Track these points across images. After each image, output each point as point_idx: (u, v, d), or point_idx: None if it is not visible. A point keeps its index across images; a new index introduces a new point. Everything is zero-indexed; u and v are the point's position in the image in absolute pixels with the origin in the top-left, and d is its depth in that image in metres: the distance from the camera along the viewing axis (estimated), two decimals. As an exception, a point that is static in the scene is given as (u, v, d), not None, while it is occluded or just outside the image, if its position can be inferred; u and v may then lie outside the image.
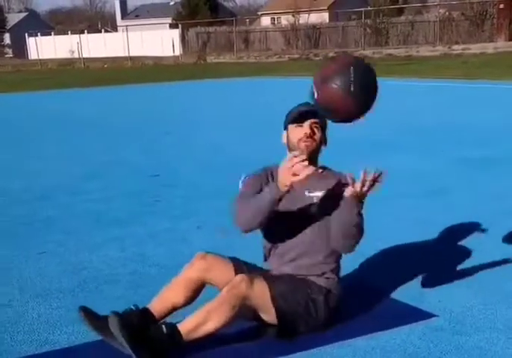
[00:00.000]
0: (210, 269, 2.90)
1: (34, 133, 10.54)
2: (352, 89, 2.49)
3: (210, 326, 2.66)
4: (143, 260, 4.08)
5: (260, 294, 2.72)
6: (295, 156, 2.62)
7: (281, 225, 2.90)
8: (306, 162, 2.57)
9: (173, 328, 2.68)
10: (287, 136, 2.98)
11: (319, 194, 2.91)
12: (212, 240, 4.40)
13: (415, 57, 25.50)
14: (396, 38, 34.98)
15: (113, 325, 2.69)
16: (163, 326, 2.69)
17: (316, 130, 2.89)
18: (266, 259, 3.10)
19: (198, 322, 2.66)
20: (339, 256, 2.96)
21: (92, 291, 3.63)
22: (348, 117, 2.61)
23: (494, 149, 7.10)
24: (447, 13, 32.78)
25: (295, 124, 2.92)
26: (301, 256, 2.91)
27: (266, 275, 2.88)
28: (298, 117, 2.91)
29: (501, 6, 30.07)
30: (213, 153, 7.86)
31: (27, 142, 9.55)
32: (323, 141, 2.94)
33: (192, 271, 2.91)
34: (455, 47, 27.20)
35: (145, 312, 2.88)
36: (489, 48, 25.64)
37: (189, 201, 5.51)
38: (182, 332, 2.67)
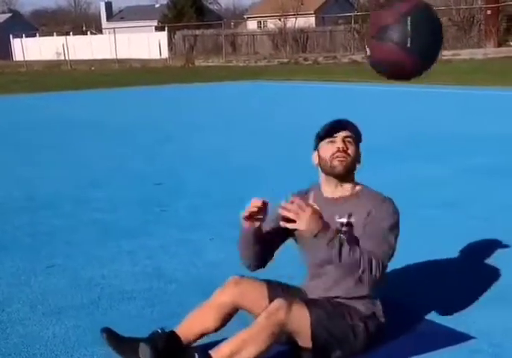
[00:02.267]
0: (244, 295, 2.77)
1: (27, 137, 10.32)
2: (409, 44, 2.23)
3: (246, 355, 2.51)
4: (158, 275, 3.94)
5: (298, 320, 2.58)
6: (292, 202, 2.53)
7: (314, 250, 2.72)
8: (302, 205, 2.49)
9: (206, 356, 2.52)
10: (318, 156, 2.78)
11: (345, 220, 2.72)
12: (226, 253, 4.26)
13: (404, 63, 25.42)
14: (384, 43, 35.03)
15: (145, 354, 2.55)
16: (196, 354, 2.53)
17: (349, 144, 2.72)
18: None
19: (233, 351, 2.50)
20: (378, 282, 2.69)
21: (108, 309, 3.48)
22: (407, 76, 2.37)
23: (496, 158, 7.03)
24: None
25: (326, 140, 2.74)
26: (336, 281, 2.75)
27: (303, 298, 2.75)
28: (329, 131, 2.74)
29: (489, 12, 30.20)
30: (215, 159, 7.72)
31: (21, 147, 9.34)
32: (357, 157, 2.75)
33: (225, 297, 2.77)
34: (445, 53, 27.19)
35: (173, 336, 2.74)
36: (478, 54, 25.71)
37: (197, 211, 5.37)
38: None
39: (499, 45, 28.54)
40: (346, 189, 2.77)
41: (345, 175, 2.73)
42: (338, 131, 2.73)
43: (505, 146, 7.65)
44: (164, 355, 2.67)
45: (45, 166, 7.71)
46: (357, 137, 2.76)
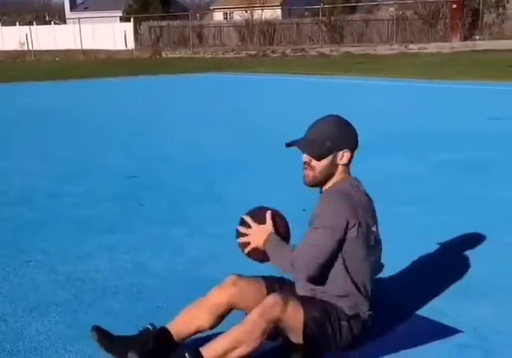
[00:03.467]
0: (242, 295, 2.74)
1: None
2: None
3: (239, 353, 2.50)
4: (139, 271, 3.90)
5: (293, 318, 2.57)
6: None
7: None
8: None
9: (197, 355, 2.49)
10: None
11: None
12: (207, 248, 4.25)
13: (373, 56, 25.63)
14: (351, 36, 35.19)
15: None
16: (187, 354, 2.50)
17: (309, 161, 2.70)
18: None
19: (227, 349, 2.49)
20: (360, 281, 2.71)
21: (91, 304, 3.44)
22: None
23: (469, 152, 7.09)
24: (400, 12, 33.12)
25: None
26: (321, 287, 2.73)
27: (297, 295, 2.73)
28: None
29: (454, 6, 30.55)
30: (189, 153, 7.67)
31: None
32: (327, 165, 2.68)
33: (221, 297, 2.74)
34: (412, 46, 27.47)
35: (164, 333, 2.71)
36: (445, 47, 25.96)
37: (175, 206, 5.33)
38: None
39: (465, 38, 28.89)
40: (329, 185, 2.76)
41: (315, 185, 2.75)
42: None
43: (477, 141, 7.74)
44: (154, 353, 2.64)
45: (16, 160, 7.57)
46: (315, 157, 2.68)
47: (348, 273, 2.68)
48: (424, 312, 3.16)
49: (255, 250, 2.74)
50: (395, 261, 3.79)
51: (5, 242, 4.51)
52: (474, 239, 4.20)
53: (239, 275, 2.83)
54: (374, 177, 5.71)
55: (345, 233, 2.60)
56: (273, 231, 2.72)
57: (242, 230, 2.77)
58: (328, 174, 2.71)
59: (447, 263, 3.86)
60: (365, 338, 2.78)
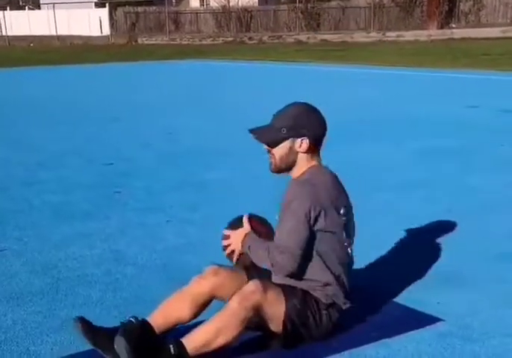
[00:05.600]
0: (223, 285, 2.70)
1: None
2: None
3: (221, 342, 2.47)
4: (116, 258, 3.85)
5: (274, 306, 2.55)
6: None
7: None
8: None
9: (180, 347, 2.46)
10: None
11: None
12: (184, 236, 4.21)
13: (350, 43, 25.59)
14: (328, 23, 35.13)
15: (121, 347, 2.47)
16: (171, 346, 2.46)
17: (269, 148, 2.73)
18: None
19: (208, 339, 2.47)
20: (337, 270, 2.70)
21: (68, 293, 3.38)
22: None
23: (446, 140, 7.09)
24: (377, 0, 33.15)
25: None
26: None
27: (279, 286, 2.68)
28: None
29: (432, -6, 30.62)
30: (165, 140, 7.59)
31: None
32: (287, 153, 2.69)
33: (202, 287, 2.70)
34: (389, 34, 27.47)
35: (145, 326, 2.65)
36: (422, 35, 25.99)
37: (152, 193, 5.27)
38: (189, 349, 2.47)
39: (441, 27, 28.98)
40: (295, 174, 2.76)
41: (280, 172, 2.76)
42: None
43: (454, 129, 7.76)
44: (138, 345, 2.59)
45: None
46: (267, 143, 2.71)
47: (325, 264, 2.67)
48: (404, 301, 3.14)
49: (241, 256, 2.73)
50: (373, 249, 3.79)
51: (-22, 230, 4.42)
52: (452, 227, 4.20)
53: (220, 265, 2.80)
54: (351, 164, 5.74)
55: (315, 221, 2.60)
56: (250, 231, 2.73)
57: (224, 242, 2.79)
58: (289, 162, 2.72)
59: (426, 251, 3.85)
60: (344, 327, 2.77)
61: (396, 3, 32.66)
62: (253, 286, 2.53)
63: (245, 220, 2.77)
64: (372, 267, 3.60)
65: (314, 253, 2.65)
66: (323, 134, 2.73)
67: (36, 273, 3.65)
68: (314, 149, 2.72)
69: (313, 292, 2.67)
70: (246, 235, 2.71)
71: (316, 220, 2.60)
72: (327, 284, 2.68)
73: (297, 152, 2.69)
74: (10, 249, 4.03)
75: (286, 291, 2.63)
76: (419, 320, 2.93)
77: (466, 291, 3.25)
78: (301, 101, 2.81)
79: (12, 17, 39.96)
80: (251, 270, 2.79)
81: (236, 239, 2.73)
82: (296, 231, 2.58)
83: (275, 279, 2.75)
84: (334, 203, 2.65)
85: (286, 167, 2.73)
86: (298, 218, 2.58)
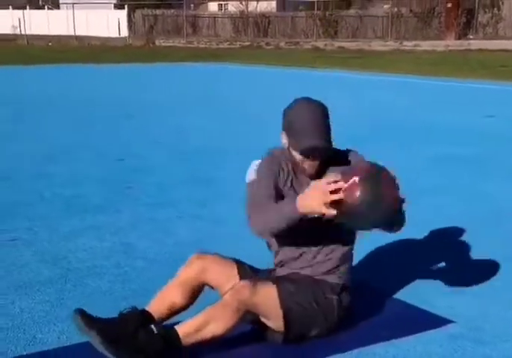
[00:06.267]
0: (208, 269, 2.72)
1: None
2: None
3: (211, 330, 2.48)
4: (126, 251, 3.83)
5: (266, 300, 2.53)
6: (335, 181, 2.32)
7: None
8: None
9: (168, 330, 2.48)
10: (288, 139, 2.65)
11: None
12: (195, 230, 4.20)
13: (367, 51, 25.54)
14: (345, 31, 35.15)
15: (96, 343, 2.47)
16: (154, 327, 2.49)
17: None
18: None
19: (198, 326, 2.48)
20: (350, 254, 2.76)
21: (76, 284, 3.36)
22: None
23: (465, 147, 7.05)
24: (395, 9, 33.13)
25: None
26: (312, 254, 2.71)
27: (272, 278, 2.69)
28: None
29: (449, 5, 30.59)
30: (178, 138, 7.59)
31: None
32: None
33: (188, 272, 2.73)
34: (406, 43, 27.44)
35: (145, 315, 2.65)
36: (439, 46, 25.92)
37: (163, 189, 5.26)
38: (180, 334, 2.47)
39: (459, 38, 28.91)
40: None
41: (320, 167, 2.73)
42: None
43: (471, 137, 7.71)
44: (136, 337, 2.57)
45: (2, 141, 7.45)
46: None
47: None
48: (415, 302, 3.09)
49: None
50: (386, 252, 3.76)
51: (-14, 219, 4.42)
52: (466, 232, 4.15)
53: (205, 252, 2.82)
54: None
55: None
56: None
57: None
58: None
59: (438, 255, 3.81)
60: (352, 324, 2.73)
61: (414, 13, 32.65)
62: (243, 282, 2.56)
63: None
64: (384, 269, 3.56)
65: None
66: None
67: (46, 263, 3.63)
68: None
69: (322, 277, 2.67)
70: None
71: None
72: (345, 268, 2.71)
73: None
74: (20, 239, 4.02)
75: (280, 279, 2.64)
76: (430, 321, 2.89)
77: (478, 294, 3.20)
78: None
79: (31, 16, 40.24)
80: (244, 265, 2.80)
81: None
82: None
83: (280, 271, 2.77)
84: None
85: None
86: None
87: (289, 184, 2.68)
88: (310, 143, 2.51)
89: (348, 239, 2.75)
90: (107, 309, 2.82)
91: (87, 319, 2.58)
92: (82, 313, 2.61)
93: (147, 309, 2.69)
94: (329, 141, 2.57)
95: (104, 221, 4.38)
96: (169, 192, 5.18)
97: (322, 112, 2.58)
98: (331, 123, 2.63)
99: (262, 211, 2.54)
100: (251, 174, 2.80)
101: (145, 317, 2.64)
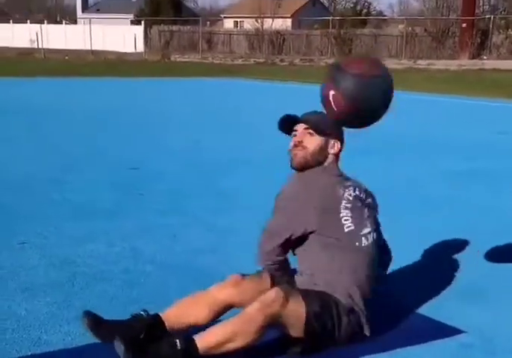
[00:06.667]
0: (243, 296, 2.62)
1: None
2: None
3: (233, 346, 2.38)
4: (135, 256, 3.80)
5: (294, 314, 2.46)
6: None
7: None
8: None
9: (189, 343, 2.37)
10: None
11: None
12: (205, 238, 4.17)
13: (380, 69, 25.55)
14: (360, 49, 35.18)
15: (119, 349, 2.42)
16: (177, 341, 2.37)
17: (304, 136, 2.67)
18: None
19: (221, 341, 2.37)
20: (363, 275, 2.65)
21: (84, 287, 3.33)
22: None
23: (478, 161, 7.01)
24: (410, 29, 33.15)
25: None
26: (317, 272, 2.65)
27: (298, 290, 2.62)
28: (280, 126, 2.77)
29: (464, 25, 30.58)
30: (192, 149, 7.59)
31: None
32: (320, 147, 2.68)
33: (222, 295, 2.63)
34: (420, 62, 27.43)
35: (157, 321, 2.60)
36: (453, 65, 25.88)
37: (175, 197, 5.24)
38: (200, 347, 2.37)
39: (473, 57, 28.86)
40: None
41: (302, 167, 2.69)
42: (291, 125, 2.74)
43: (484, 153, 7.66)
44: (145, 340, 2.53)
45: (16, 149, 7.47)
46: (317, 127, 2.68)
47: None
48: (426, 312, 3.05)
49: None
50: (398, 262, 3.70)
51: None
52: (477, 244, 4.09)
53: (244, 275, 2.71)
54: (384, 180, 5.67)
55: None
56: None
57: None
58: (318, 160, 2.68)
59: (450, 266, 3.76)
60: (364, 335, 2.68)
61: (429, 33, 32.61)
62: (274, 293, 2.45)
63: None
64: (394, 279, 3.51)
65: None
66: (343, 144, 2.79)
67: (54, 266, 3.61)
68: (338, 155, 2.75)
69: (333, 294, 2.60)
70: None
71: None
72: (355, 289, 2.63)
73: (327, 153, 2.70)
74: (29, 243, 4.00)
75: (307, 296, 2.54)
76: (441, 330, 2.84)
77: (490, 305, 3.15)
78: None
79: (49, 31, 40.67)
80: (277, 277, 2.73)
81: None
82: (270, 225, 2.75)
83: (297, 279, 2.70)
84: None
85: (313, 165, 2.69)
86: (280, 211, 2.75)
87: None
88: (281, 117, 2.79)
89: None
90: (114, 313, 2.80)
91: (98, 322, 2.57)
92: (92, 316, 2.59)
93: (162, 315, 2.63)
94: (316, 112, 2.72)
95: (113, 227, 4.36)
96: (181, 200, 5.16)
97: None
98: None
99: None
100: None
101: (158, 324, 2.59)
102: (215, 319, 2.63)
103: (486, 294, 3.29)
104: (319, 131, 2.67)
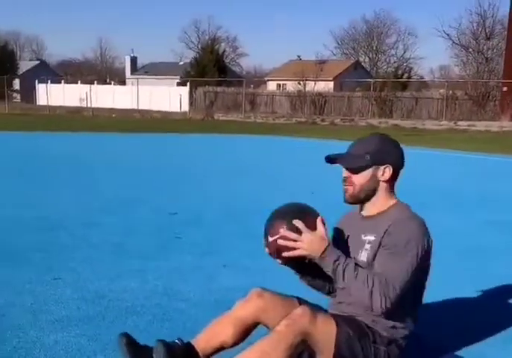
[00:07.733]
0: (267, 309, 2.54)
1: (49, 169, 10.25)
2: None
3: None
4: (168, 294, 3.76)
5: (324, 333, 2.36)
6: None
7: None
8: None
9: None
10: None
11: (371, 238, 2.52)
12: (240, 278, 4.10)
13: (421, 130, 25.52)
14: (400, 111, 35.27)
15: (159, 354, 2.36)
16: None
17: (348, 176, 2.59)
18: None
19: None
20: (406, 307, 2.50)
21: (114, 321, 3.30)
22: None
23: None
24: (450, 92, 33.19)
25: None
26: (355, 302, 2.50)
27: (331, 313, 2.54)
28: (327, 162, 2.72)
29: (505, 89, 30.52)
30: (231, 198, 7.58)
31: (40, 175, 9.24)
32: (369, 180, 2.56)
33: (246, 310, 2.56)
34: (461, 123, 27.33)
35: (190, 348, 2.55)
36: (493, 126, 25.71)
37: (211, 240, 5.21)
38: None
39: (514, 119, 28.61)
40: (377, 207, 2.61)
41: (355, 202, 2.61)
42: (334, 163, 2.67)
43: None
44: None
45: (60, 192, 7.59)
46: (350, 168, 2.60)
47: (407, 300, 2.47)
48: (464, 354, 2.91)
49: (299, 258, 2.45)
50: (437, 303, 3.58)
51: (36, 260, 4.44)
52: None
53: (264, 288, 2.64)
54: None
55: (426, 260, 2.48)
56: (331, 242, 2.44)
57: (291, 235, 2.44)
58: (369, 191, 2.57)
59: (488, 310, 3.63)
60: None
61: (470, 96, 32.58)
62: (300, 309, 2.38)
63: (319, 223, 2.44)
64: (433, 320, 3.38)
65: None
66: (402, 166, 2.63)
67: (86, 301, 3.59)
68: (394, 180, 2.61)
69: (372, 325, 2.49)
70: (328, 246, 2.41)
71: (425, 257, 2.48)
72: (397, 320, 2.50)
73: (378, 181, 2.57)
74: (63, 279, 4.00)
75: (338, 317, 2.46)
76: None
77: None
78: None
79: (98, 90, 41.96)
80: (302, 300, 2.64)
81: (310, 244, 2.39)
82: (407, 273, 2.38)
83: (332, 309, 2.60)
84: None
85: (365, 196, 2.58)
86: (412, 259, 2.40)
87: None
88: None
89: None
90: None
91: (134, 343, 2.56)
92: (129, 336, 2.58)
93: (193, 343, 2.58)
94: (347, 153, 2.65)
95: (148, 266, 4.33)
96: (217, 243, 5.12)
97: (362, 138, 2.71)
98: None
99: None
100: None
101: (191, 351, 2.55)
102: (243, 338, 2.57)
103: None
104: (354, 171, 2.57)
